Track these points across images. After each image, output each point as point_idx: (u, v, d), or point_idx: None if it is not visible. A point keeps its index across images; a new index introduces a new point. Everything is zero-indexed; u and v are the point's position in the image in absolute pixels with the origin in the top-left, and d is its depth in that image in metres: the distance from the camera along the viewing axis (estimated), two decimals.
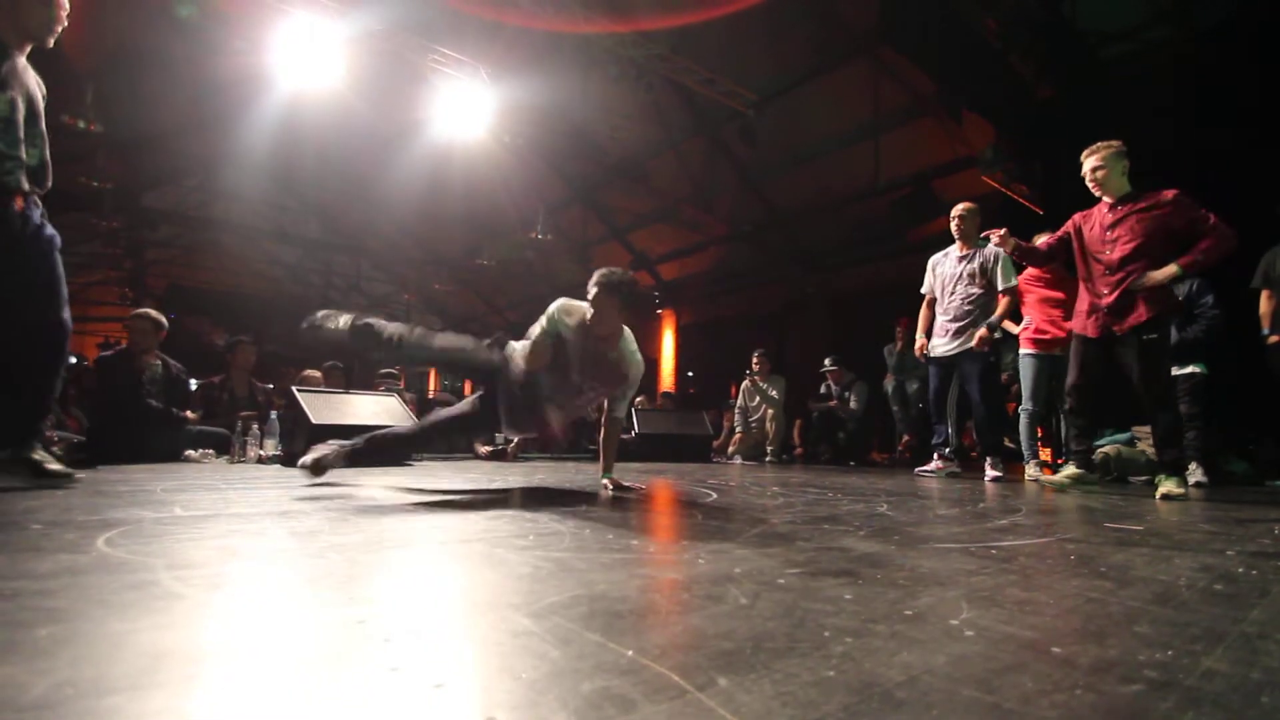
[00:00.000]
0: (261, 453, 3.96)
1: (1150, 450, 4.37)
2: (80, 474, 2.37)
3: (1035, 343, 4.08)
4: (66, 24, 2.29)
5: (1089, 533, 1.68)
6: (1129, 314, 2.91)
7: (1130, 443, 4.51)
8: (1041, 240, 3.43)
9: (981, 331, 3.92)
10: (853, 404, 6.63)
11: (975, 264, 4.08)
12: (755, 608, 0.85)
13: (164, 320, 4.26)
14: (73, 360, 3.95)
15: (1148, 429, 4.46)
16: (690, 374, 11.94)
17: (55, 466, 2.22)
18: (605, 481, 2.66)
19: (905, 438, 6.37)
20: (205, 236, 13.01)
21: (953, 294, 4.15)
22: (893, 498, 2.55)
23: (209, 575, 0.98)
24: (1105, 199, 3.07)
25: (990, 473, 3.94)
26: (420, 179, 9.80)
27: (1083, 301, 3.15)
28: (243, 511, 1.69)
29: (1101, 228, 3.04)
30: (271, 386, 5.31)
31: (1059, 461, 4.09)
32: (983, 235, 3.63)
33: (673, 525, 1.76)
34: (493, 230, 11.65)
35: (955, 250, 4.24)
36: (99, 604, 0.79)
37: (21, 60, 2.21)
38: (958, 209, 4.19)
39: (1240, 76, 4.86)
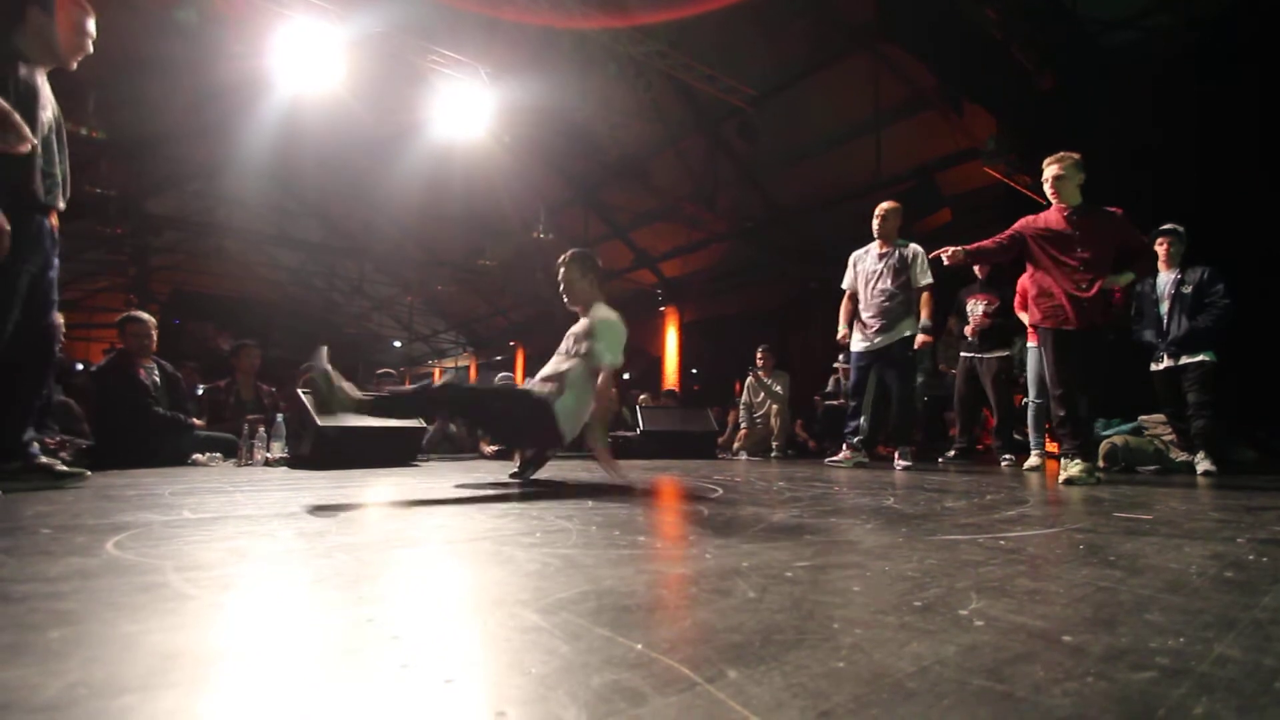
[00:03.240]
0: (268, 455, 3.98)
1: (1159, 440, 4.35)
2: (88, 474, 2.44)
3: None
4: (91, 50, 2.32)
5: (1098, 522, 1.67)
6: (1103, 310, 3.16)
7: (1138, 432, 4.49)
8: (988, 241, 3.34)
9: (923, 336, 4.03)
10: None
11: (894, 261, 4.15)
12: (764, 601, 0.85)
13: (155, 321, 4.28)
14: (79, 366, 3.95)
15: (1155, 418, 4.45)
16: (694, 371, 11.93)
17: (64, 468, 2.32)
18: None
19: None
20: (208, 241, 13.05)
21: (873, 290, 4.22)
22: (899, 490, 2.54)
23: (218, 576, 0.98)
24: (1059, 204, 3.21)
25: (899, 463, 4.06)
26: (421, 180, 9.82)
27: (1055, 298, 3.16)
28: (251, 513, 1.69)
29: (1062, 230, 3.17)
30: (275, 390, 5.33)
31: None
32: (932, 255, 3.54)
33: (679, 521, 1.76)
34: (494, 230, 11.66)
35: (875, 248, 4.31)
36: (109, 606, 0.80)
37: (44, 79, 2.25)
38: (880, 207, 4.28)
39: (1243, 63, 4.82)
